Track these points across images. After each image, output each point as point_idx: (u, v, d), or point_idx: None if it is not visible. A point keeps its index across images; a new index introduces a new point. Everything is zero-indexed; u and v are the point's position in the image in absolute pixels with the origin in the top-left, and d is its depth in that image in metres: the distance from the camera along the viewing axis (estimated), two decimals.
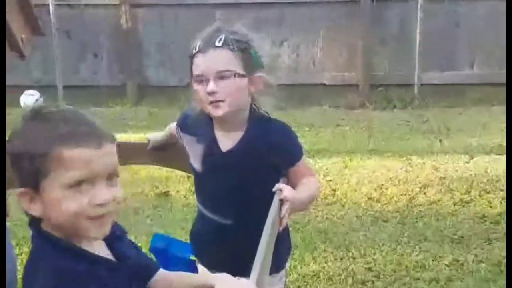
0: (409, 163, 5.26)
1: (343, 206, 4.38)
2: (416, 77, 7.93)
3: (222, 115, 1.89)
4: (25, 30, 1.66)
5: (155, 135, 2.35)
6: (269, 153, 1.93)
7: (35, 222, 1.26)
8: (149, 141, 2.36)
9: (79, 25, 8.49)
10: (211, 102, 1.87)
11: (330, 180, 4.87)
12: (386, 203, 4.40)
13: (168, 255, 2.24)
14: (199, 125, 1.99)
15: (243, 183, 1.94)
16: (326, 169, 5.15)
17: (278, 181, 1.94)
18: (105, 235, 1.26)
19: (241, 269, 1.75)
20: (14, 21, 1.55)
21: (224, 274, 1.36)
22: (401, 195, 4.52)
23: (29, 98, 7.94)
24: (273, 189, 1.83)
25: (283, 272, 2.10)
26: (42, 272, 1.21)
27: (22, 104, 7.85)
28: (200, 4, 8.11)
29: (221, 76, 1.86)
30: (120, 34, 8.38)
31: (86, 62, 8.62)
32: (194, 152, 2.01)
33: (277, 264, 1.98)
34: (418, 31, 7.82)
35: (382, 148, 5.83)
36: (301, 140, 2.05)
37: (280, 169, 1.98)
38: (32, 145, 1.20)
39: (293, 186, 1.97)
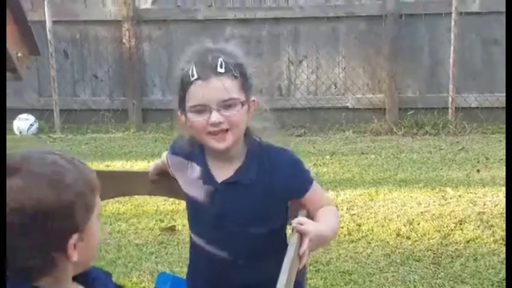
0: (443, 196, 5.22)
1: (369, 243, 4.35)
2: (450, 100, 7.91)
3: (225, 148, 1.90)
4: (21, 48, 1.68)
5: (156, 163, 2.36)
6: (271, 185, 1.94)
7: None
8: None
9: (77, 44, 8.60)
10: (212, 133, 1.87)
11: (355, 214, 4.84)
12: (417, 240, 4.36)
13: None
14: (190, 155, 2.00)
15: (242, 215, 1.94)
16: (350, 201, 5.13)
17: (284, 214, 1.94)
18: None
19: None
20: (9, 38, 1.56)
21: None
22: (434, 231, 4.48)
23: (24, 123, 8.03)
24: (292, 222, 1.82)
25: None
26: None
27: (15, 129, 7.93)
28: (211, 19, 8.18)
29: (226, 105, 1.86)
30: (123, 53, 8.47)
31: (85, 83, 8.71)
32: (187, 183, 2.01)
33: None
34: (452, 48, 7.82)
35: (412, 178, 5.80)
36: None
37: (287, 198, 1.99)
38: None
39: (311, 216, 1.98)
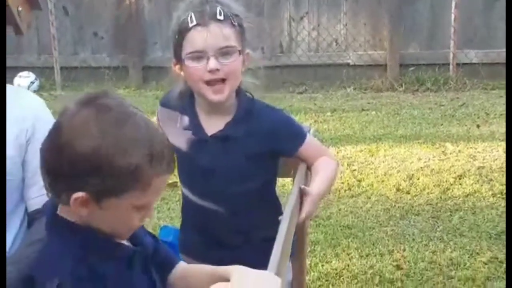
0: (443, 151, 5.25)
1: (369, 198, 4.39)
2: (451, 56, 7.89)
3: (223, 100, 1.89)
4: (21, 3, 1.68)
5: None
6: (260, 141, 1.94)
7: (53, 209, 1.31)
8: None
9: (77, 1, 8.54)
10: (209, 83, 1.86)
11: (355, 170, 4.88)
12: (417, 195, 4.40)
13: (177, 248, 2.28)
14: (180, 107, 1.99)
15: (231, 170, 1.95)
16: (351, 157, 5.16)
17: (274, 170, 1.95)
18: None
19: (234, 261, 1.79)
20: None
21: (242, 266, 1.39)
22: (434, 186, 4.52)
23: (24, 81, 8.02)
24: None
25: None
26: (58, 259, 1.26)
27: None
28: None
29: (224, 52, 1.85)
30: (123, 10, 8.42)
31: (85, 41, 8.67)
32: (176, 135, 1.99)
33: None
34: (453, 4, 7.76)
35: (413, 134, 5.82)
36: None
37: (278, 156, 2.00)
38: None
39: (308, 167, 2.01)
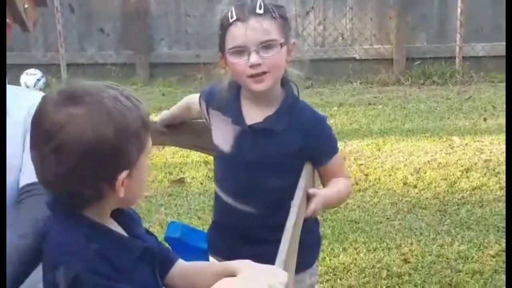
0: (450, 145, 5.24)
1: (376, 192, 4.39)
2: (457, 49, 7.87)
3: (263, 90, 1.89)
4: (27, 0, 1.68)
5: (164, 113, 2.36)
6: (298, 142, 1.93)
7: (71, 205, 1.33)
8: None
9: None
10: (252, 76, 1.86)
11: (362, 164, 4.88)
12: (424, 189, 4.40)
13: (184, 245, 2.28)
14: (226, 99, 1.99)
15: (264, 163, 1.94)
16: (358, 152, 5.16)
17: (301, 170, 1.94)
18: None
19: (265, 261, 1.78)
20: None
21: (247, 260, 1.39)
22: (441, 179, 4.51)
23: (30, 78, 8.05)
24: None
25: (313, 270, 2.12)
26: (79, 251, 1.28)
27: (22, 85, 7.95)
28: None
29: (265, 46, 1.84)
30: (129, 6, 8.43)
31: (91, 38, 8.69)
32: (219, 128, 2.01)
33: (307, 258, 2.01)
34: None
35: (420, 128, 5.82)
36: (331, 121, 2.06)
37: (306, 158, 1.98)
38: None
39: (323, 184, 2.00)
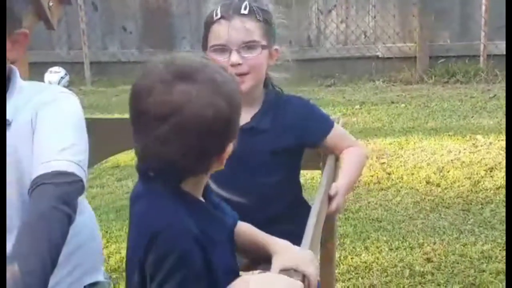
0: (474, 144, 5.20)
1: (399, 191, 4.37)
2: (481, 47, 7.80)
3: (244, 91, 1.87)
4: None
5: None
6: (286, 131, 1.94)
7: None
8: None
9: None
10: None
11: (384, 163, 4.86)
12: (447, 188, 4.37)
13: None
14: None
15: (256, 161, 1.95)
16: (380, 150, 5.14)
17: (298, 163, 1.94)
18: None
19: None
20: None
21: (286, 241, 1.43)
22: (465, 178, 4.48)
23: (54, 76, 8.11)
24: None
25: None
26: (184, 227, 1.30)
27: (46, 82, 8.02)
28: None
29: (246, 46, 1.85)
30: (151, 4, 8.46)
31: (114, 36, 8.74)
32: None
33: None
34: None
35: (443, 127, 5.78)
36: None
37: (303, 149, 1.99)
38: None
39: (336, 157, 2.00)
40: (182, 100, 1.26)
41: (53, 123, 1.51)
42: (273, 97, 1.98)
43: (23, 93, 1.54)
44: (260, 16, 1.87)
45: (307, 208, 1.92)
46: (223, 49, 1.86)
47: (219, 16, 1.85)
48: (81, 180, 1.46)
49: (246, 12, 1.85)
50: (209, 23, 1.88)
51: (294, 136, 1.95)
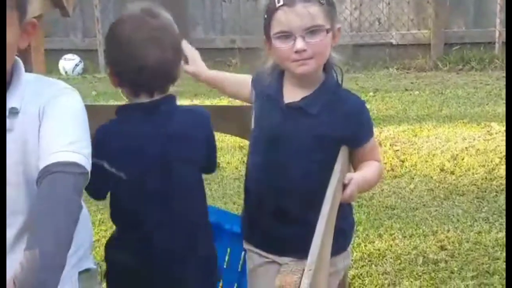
0: (488, 131, 5.17)
1: (413, 178, 4.35)
2: (497, 34, 7.73)
3: (305, 74, 1.89)
4: None
5: (218, 72, 2.34)
6: (334, 123, 1.92)
7: None
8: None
9: None
10: (296, 61, 1.86)
11: (398, 150, 4.84)
12: (461, 175, 4.35)
13: (220, 229, 2.29)
14: (269, 80, 1.99)
15: (297, 142, 1.94)
16: (393, 138, 5.12)
17: (335, 155, 1.92)
18: None
19: (288, 246, 1.77)
20: None
21: None
22: (479, 166, 4.45)
23: (69, 63, 8.13)
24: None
25: (346, 253, 2.12)
26: None
27: (61, 69, 8.06)
28: None
29: (310, 32, 1.84)
30: None
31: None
32: (259, 99, 2.01)
33: (341, 243, 2.00)
34: None
35: (457, 114, 5.74)
36: (366, 107, 2.03)
37: (341, 144, 1.96)
38: None
39: (354, 167, 1.98)
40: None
41: (60, 118, 1.54)
42: (332, 84, 1.96)
43: (29, 86, 1.56)
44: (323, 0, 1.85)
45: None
46: (287, 35, 1.84)
47: (281, 2, 1.83)
48: (88, 173, 1.49)
49: None
50: (271, 10, 1.86)
51: (343, 128, 1.92)
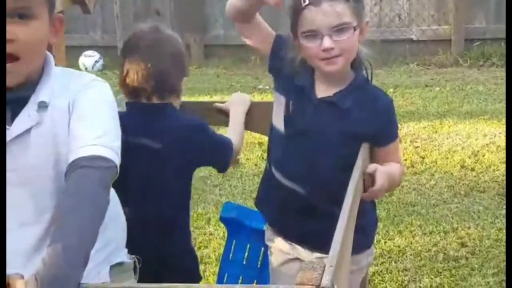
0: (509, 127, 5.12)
1: (433, 175, 4.33)
2: None
3: (334, 72, 1.90)
4: None
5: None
6: (363, 120, 1.93)
7: None
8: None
9: None
10: (324, 59, 1.86)
11: (418, 147, 4.82)
12: (482, 172, 4.32)
13: (239, 225, 2.30)
14: (298, 74, 1.98)
15: (326, 136, 1.94)
16: (414, 134, 5.09)
17: (356, 153, 1.92)
18: None
19: (317, 240, 1.76)
20: None
21: None
22: (500, 162, 4.42)
23: (88, 60, 8.17)
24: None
25: (370, 250, 2.12)
26: None
27: (81, 66, 8.10)
28: None
29: (338, 30, 1.84)
30: None
31: (147, 20, 8.74)
32: (289, 88, 2.00)
33: (364, 240, 2.00)
34: None
35: (478, 110, 5.70)
36: None
37: (364, 141, 1.96)
38: None
39: None
40: None
41: (89, 111, 1.55)
42: (362, 80, 1.97)
43: (59, 79, 1.57)
44: None
45: None
46: (315, 34, 1.85)
47: (307, 2, 1.84)
48: (116, 166, 1.49)
49: None
50: (298, 9, 1.86)
51: (373, 125, 1.93)
